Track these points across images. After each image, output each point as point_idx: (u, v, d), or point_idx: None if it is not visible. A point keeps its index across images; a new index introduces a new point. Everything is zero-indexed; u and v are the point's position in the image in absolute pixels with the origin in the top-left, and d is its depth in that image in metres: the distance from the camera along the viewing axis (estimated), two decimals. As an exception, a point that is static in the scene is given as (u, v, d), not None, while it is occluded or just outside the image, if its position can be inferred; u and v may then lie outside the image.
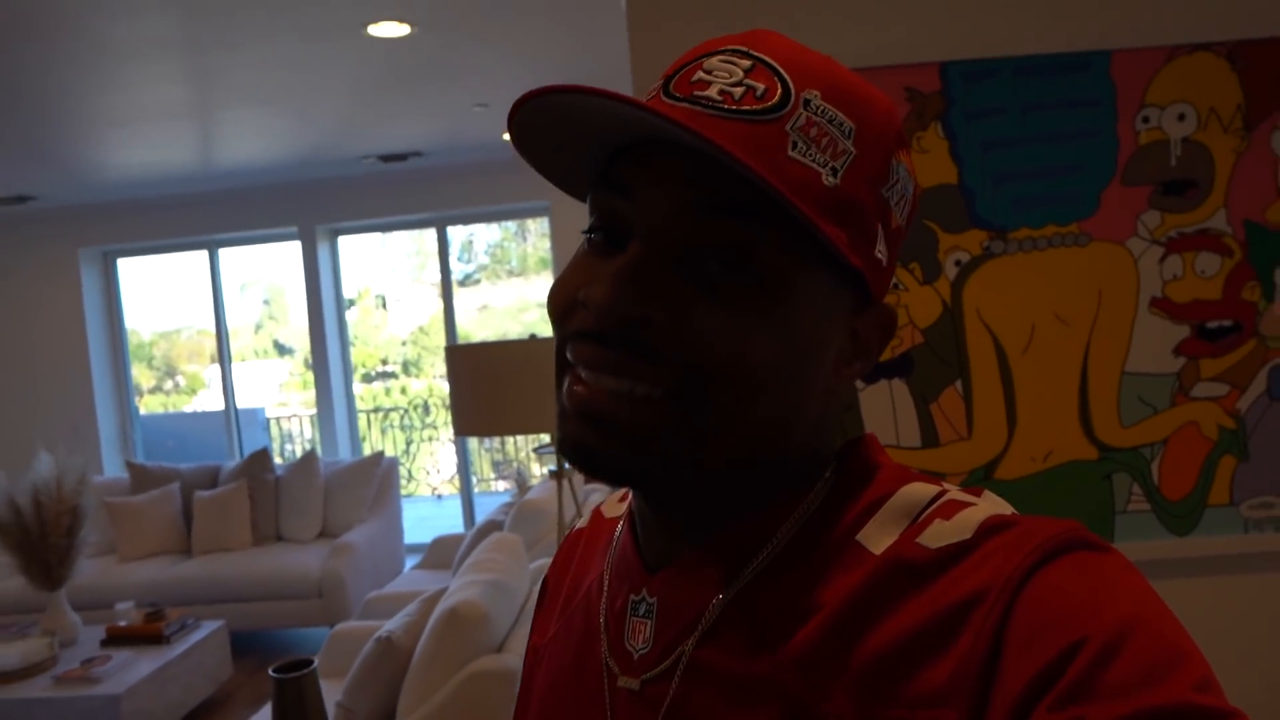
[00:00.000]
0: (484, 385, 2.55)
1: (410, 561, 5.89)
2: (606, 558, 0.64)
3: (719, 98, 0.49)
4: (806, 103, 0.50)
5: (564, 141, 0.52)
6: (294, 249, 6.63)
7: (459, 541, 4.79)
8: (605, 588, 0.61)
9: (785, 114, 0.49)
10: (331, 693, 3.09)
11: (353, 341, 10.14)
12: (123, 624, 4.25)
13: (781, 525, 0.54)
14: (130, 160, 5.24)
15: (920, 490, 0.52)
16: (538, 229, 8.10)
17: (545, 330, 6.58)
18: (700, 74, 0.51)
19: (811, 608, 0.50)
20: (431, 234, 6.81)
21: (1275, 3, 1.67)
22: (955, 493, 0.52)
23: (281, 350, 10.02)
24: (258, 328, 10.12)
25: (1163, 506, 1.74)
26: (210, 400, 7.24)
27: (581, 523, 0.74)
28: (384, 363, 10.36)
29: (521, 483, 4.73)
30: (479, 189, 6.19)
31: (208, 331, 7.01)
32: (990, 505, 0.50)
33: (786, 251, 0.49)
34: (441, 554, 4.88)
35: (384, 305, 9.99)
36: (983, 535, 0.47)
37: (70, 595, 4.72)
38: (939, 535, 0.49)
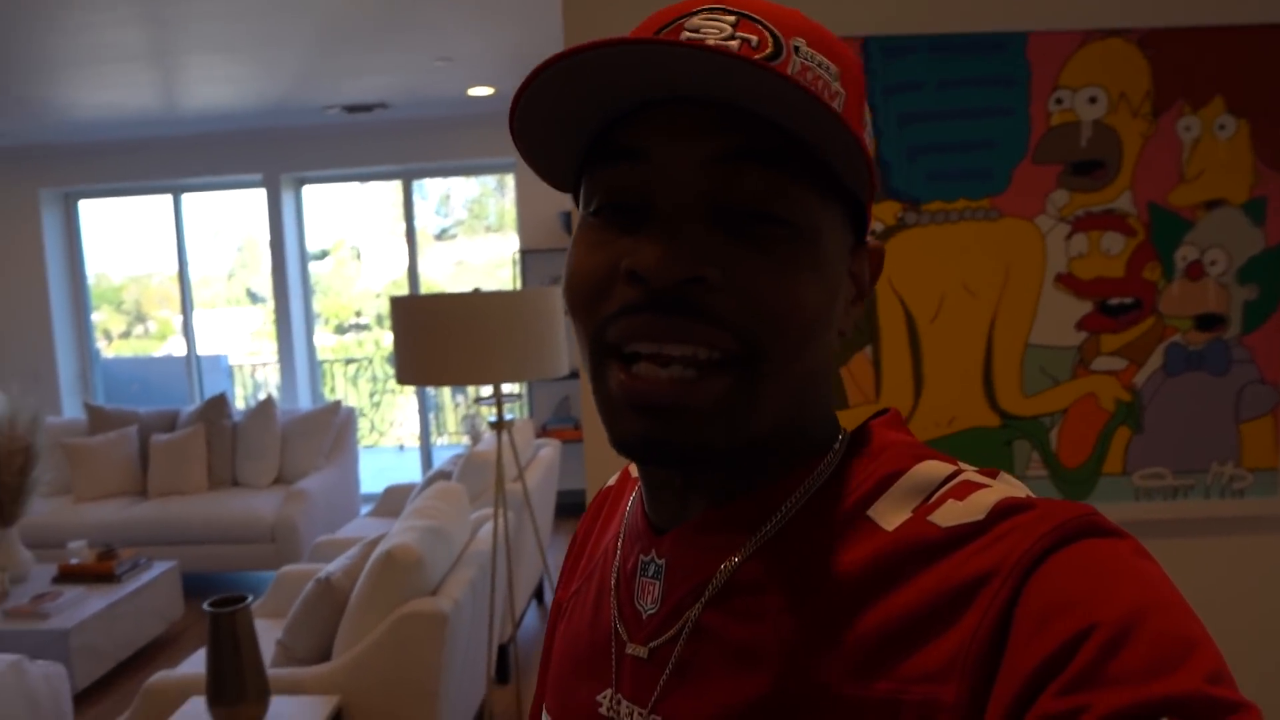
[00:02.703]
0: (427, 336, 2.60)
1: (366, 510, 5.95)
2: (623, 518, 0.65)
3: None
4: (796, 49, 0.49)
5: (561, 118, 0.51)
6: (264, 197, 6.60)
7: (410, 491, 4.86)
8: (619, 547, 0.62)
9: (783, 60, 0.49)
10: (276, 631, 3.17)
11: (325, 292, 10.15)
12: (74, 562, 4.29)
13: (791, 494, 0.54)
14: (92, 101, 5.18)
15: (935, 469, 0.52)
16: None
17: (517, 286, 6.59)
18: (687, 32, 0.49)
19: (818, 579, 0.50)
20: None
21: (1186, -8, 1.73)
22: (970, 473, 0.51)
23: (254, 299, 9.98)
24: (230, 275, 10.06)
25: (1059, 474, 1.83)
26: (179, 346, 7.22)
27: (611, 481, 0.73)
28: (357, 314, 10.32)
29: (475, 435, 4.79)
30: (445, 143, 6.19)
31: (177, 278, 6.98)
32: (1005, 487, 0.50)
33: (814, 196, 0.50)
34: (393, 502, 4.95)
35: (358, 257, 9.89)
36: (996, 517, 0.47)
37: (24, 534, 4.76)
38: (952, 515, 0.48)
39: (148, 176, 6.62)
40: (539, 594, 4.68)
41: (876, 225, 1.77)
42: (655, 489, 0.58)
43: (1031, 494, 0.49)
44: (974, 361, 1.81)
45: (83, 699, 3.83)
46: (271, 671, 2.57)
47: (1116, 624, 0.40)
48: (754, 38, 0.49)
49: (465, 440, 7.26)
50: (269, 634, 3.16)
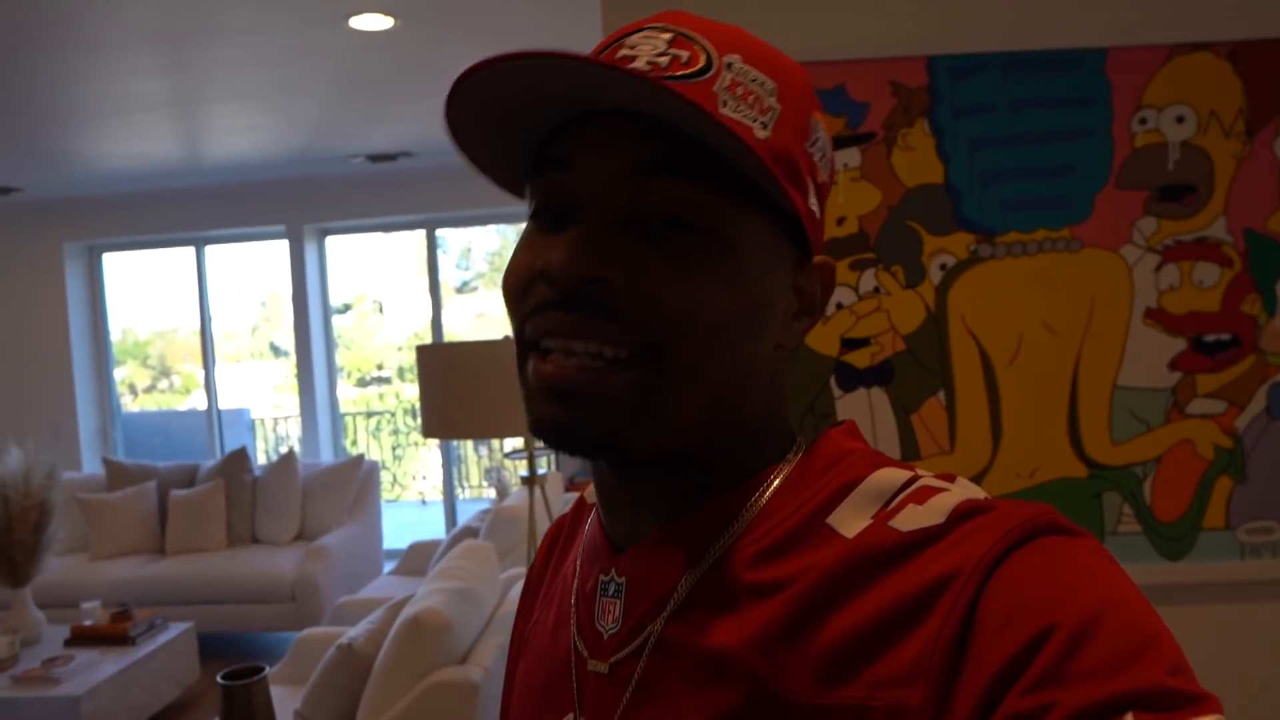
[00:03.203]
0: (454, 387, 2.46)
1: (389, 567, 5.79)
2: (580, 542, 0.65)
3: (647, 67, 0.50)
4: (729, 65, 0.51)
5: (500, 127, 0.53)
6: (287, 250, 6.54)
7: (435, 548, 4.70)
8: (577, 570, 0.62)
9: (711, 76, 0.50)
10: (294, 699, 3.00)
11: (348, 346, 10.18)
12: (88, 623, 4.15)
13: (745, 504, 0.54)
14: (115, 152, 5.15)
15: (893, 475, 0.52)
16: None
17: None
18: (624, 50, 0.52)
19: (779, 588, 0.50)
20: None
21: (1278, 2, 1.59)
22: (928, 478, 0.52)
23: (277, 352, 10.01)
24: (254, 330, 10.15)
25: (1154, 529, 1.65)
26: (203, 400, 7.14)
27: (567, 510, 0.74)
28: (379, 368, 10.35)
29: (501, 489, 4.64)
30: (470, 192, 6.11)
31: (200, 332, 6.93)
32: (963, 490, 0.50)
33: (730, 205, 0.51)
34: (417, 560, 4.78)
35: (380, 310, 10.04)
36: (956, 520, 0.47)
37: (38, 593, 4.62)
38: (912, 519, 0.48)
39: (171, 229, 6.59)
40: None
41: (948, 259, 1.62)
42: (609, 505, 0.59)
43: (990, 497, 0.50)
44: (1057, 406, 1.64)
45: (93, 770, 3.65)
46: (289, 747, 2.40)
47: (1078, 622, 0.41)
48: (685, 53, 0.51)
49: (490, 493, 7.10)
50: (287, 703, 2.98)
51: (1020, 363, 1.64)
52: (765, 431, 0.57)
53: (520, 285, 0.53)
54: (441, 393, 2.48)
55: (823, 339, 1.65)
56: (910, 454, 1.65)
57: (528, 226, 0.55)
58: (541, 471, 2.67)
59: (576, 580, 0.62)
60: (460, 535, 4.05)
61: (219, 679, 2.20)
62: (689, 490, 0.55)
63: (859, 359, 1.65)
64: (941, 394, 1.65)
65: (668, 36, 0.52)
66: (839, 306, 1.64)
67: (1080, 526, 0.47)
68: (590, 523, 0.64)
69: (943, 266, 1.63)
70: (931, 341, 1.64)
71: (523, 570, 3.27)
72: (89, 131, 4.66)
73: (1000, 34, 1.60)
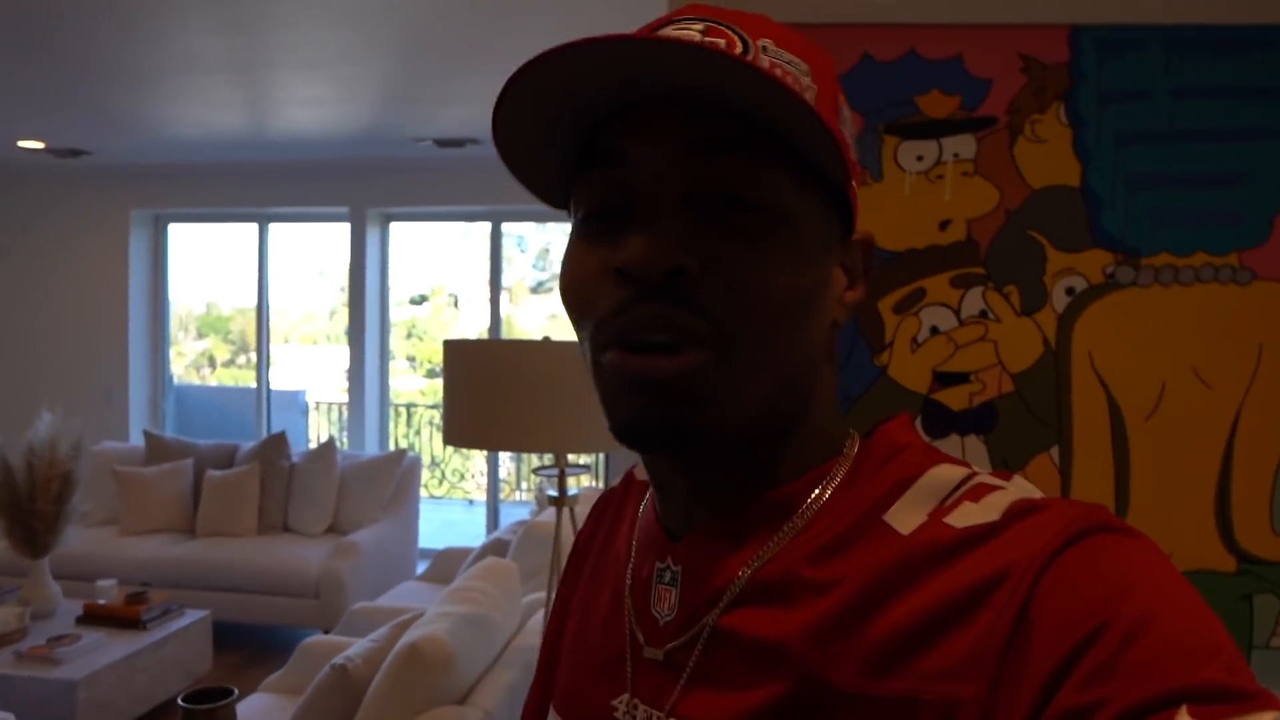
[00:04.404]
0: (483, 390, 2.18)
1: (423, 567, 5.56)
2: (635, 523, 0.66)
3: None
4: (764, 49, 0.51)
5: (542, 130, 0.53)
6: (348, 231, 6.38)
7: (466, 555, 4.44)
8: (632, 554, 0.63)
9: (752, 58, 0.50)
10: (288, 711, 2.75)
11: (421, 337, 10.16)
12: (102, 602, 3.98)
13: (805, 499, 0.55)
14: (179, 118, 5.04)
15: (949, 472, 0.53)
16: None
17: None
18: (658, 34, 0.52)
19: (835, 583, 0.50)
20: (506, 233, 6.51)
21: None
22: (984, 476, 0.52)
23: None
24: (332, 314, 10.33)
25: (1317, 644, 1.29)
26: (275, 378, 7.04)
27: (615, 483, 0.74)
28: None
29: (540, 500, 4.36)
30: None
31: (282, 312, 6.84)
32: (1019, 489, 0.51)
33: (788, 182, 0.51)
34: (447, 567, 4.53)
35: (455, 304, 10.09)
36: (1011, 518, 0.48)
37: (60, 564, 4.49)
38: (967, 516, 0.49)
39: (235, 203, 6.49)
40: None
41: (1077, 282, 1.29)
42: (664, 493, 0.59)
43: (1046, 496, 0.50)
44: (1204, 478, 1.29)
45: (84, 761, 3.46)
46: (263, 776, 2.14)
47: (1133, 618, 0.41)
48: (721, 40, 0.50)
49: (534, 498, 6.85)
50: (279, 714, 2.74)
51: (1160, 419, 1.29)
52: (820, 421, 0.57)
53: (588, 291, 0.53)
54: (468, 396, 2.21)
55: (911, 370, 1.32)
56: (1009, 522, 1.32)
57: (576, 230, 0.56)
58: (573, 492, 2.37)
59: (632, 564, 0.62)
60: (490, 547, 3.79)
61: (180, 700, 1.96)
62: (747, 482, 0.56)
63: (954, 399, 1.32)
64: (1055, 450, 1.31)
65: (700, 26, 0.52)
66: (934, 331, 1.32)
67: (1134, 527, 0.47)
68: (645, 508, 0.64)
69: (1070, 291, 1.29)
70: (1048, 384, 1.30)
71: (543, 596, 2.98)
72: (155, 93, 4.54)
73: (1166, 2, 1.27)
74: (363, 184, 6.21)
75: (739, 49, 0.50)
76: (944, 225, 1.31)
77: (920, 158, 1.32)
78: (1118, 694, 0.39)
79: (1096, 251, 1.28)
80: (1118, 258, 1.28)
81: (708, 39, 0.50)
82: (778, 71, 0.50)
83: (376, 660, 2.40)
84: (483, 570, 2.73)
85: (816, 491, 0.55)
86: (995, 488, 0.51)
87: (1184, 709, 0.38)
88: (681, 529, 0.58)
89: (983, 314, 1.31)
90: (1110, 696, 0.39)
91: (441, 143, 5.45)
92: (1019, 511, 0.48)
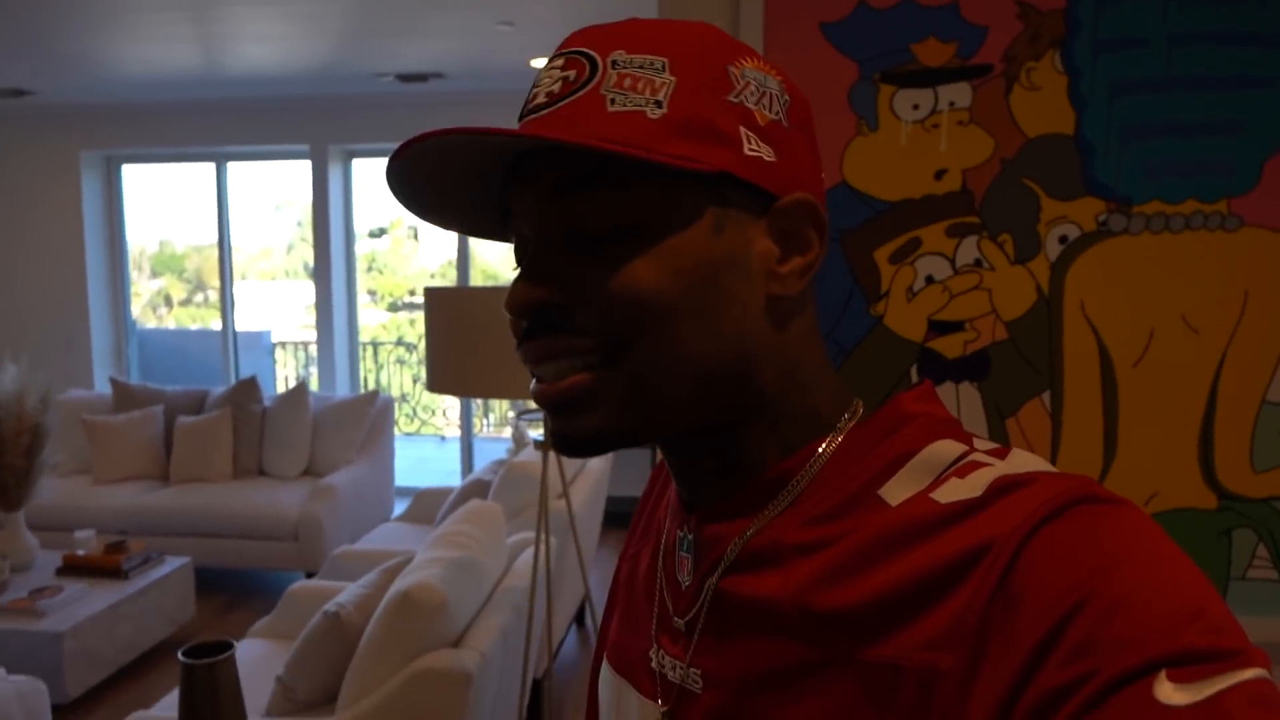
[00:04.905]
0: (465, 336, 2.17)
1: (400, 508, 5.58)
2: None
3: (545, 100, 0.55)
4: (614, 63, 0.54)
5: (454, 186, 0.59)
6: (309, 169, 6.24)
7: (444, 495, 4.46)
8: (667, 521, 0.66)
9: (596, 82, 0.53)
10: (279, 656, 2.78)
11: (381, 270, 10.02)
12: (81, 553, 3.97)
13: (797, 474, 0.57)
14: (130, 57, 4.85)
15: (947, 448, 0.53)
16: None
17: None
18: (532, 90, 0.57)
19: (822, 544, 0.53)
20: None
21: None
22: (979, 453, 0.53)
23: (311, 273, 9.95)
24: (289, 248, 10.17)
25: (1292, 575, 1.35)
26: (239, 319, 6.93)
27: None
28: (411, 293, 10.33)
29: (519, 439, 4.38)
30: (503, 118, 5.77)
31: (238, 248, 6.70)
32: (1008, 465, 0.51)
33: (645, 191, 0.53)
34: (425, 509, 4.55)
35: (415, 236, 10.10)
36: (993, 494, 0.48)
37: (34, 516, 4.46)
38: (952, 492, 0.50)
39: (191, 142, 6.30)
40: (579, 618, 4.25)
41: (1070, 230, 1.30)
42: (675, 470, 0.62)
43: (1042, 470, 0.50)
44: (1189, 420, 1.33)
45: (73, 710, 3.48)
46: (263, 723, 2.17)
47: (1115, 590, 0.41)
48: (572, 73, 0.54)
49: (510, 435, 6.87)
50: (270, 661, 2.77)
51: (1148, 364, 1.32)
52: (796, 392, 0.58)
53: (511, 324, 0.57)
54: (450, 343, 2.20)
55: (906, 320, 1.34)
56: (1001, 466, 1.35)
57: None
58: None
59: (666, 531, 0.66)
60: (471, 489, 3.80)
61: (180, 655, 1.97)
62: (736, 466, 0.58)
63: (949, 346, 1.34)
64: (1046, 395, 1.34)
65: (560, 63, 0.55)
66: (929, 281, 1.33)
67: (1120, 496, 0.47)
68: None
69: (1063, 239, 1.31)
70: (1040, 331, 1.33)
71: (528, 536, 3.01)
72: (101, 31, 4.36)
73: (1163, -53, 1.26)
74: (324, 121, 6.06)
75: (585, 74, 0.53)
76: (939, 175, 1.32)
77: (916, 106, 1.31)
78: (1099, 668, 0.40)
79: (1089, 200, 1.30)
80: (1110, 206, 1.30)
81: (563, 72, 0.54)
82: (625, 84, 0.53)
83: (368, 607, 2.43)
84: (468, 514, 2.75)
85: (808, 466, 0.56)
86: (984, 464, 0.51)
87: (1163, 674, 0.39)
88: (693, 502, 0.62)
89: (977, 263, 1.32)
90: (1092, 671, 0.40)
91: (404, 77, 5.31)
92: (1001, 488, 0.48)
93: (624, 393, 0.53)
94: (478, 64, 5.03)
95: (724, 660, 0.56)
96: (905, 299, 1.35)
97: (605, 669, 0.71)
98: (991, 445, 0.54)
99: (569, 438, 0.55)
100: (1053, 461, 1.34)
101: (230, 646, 2.09)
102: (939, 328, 1.34)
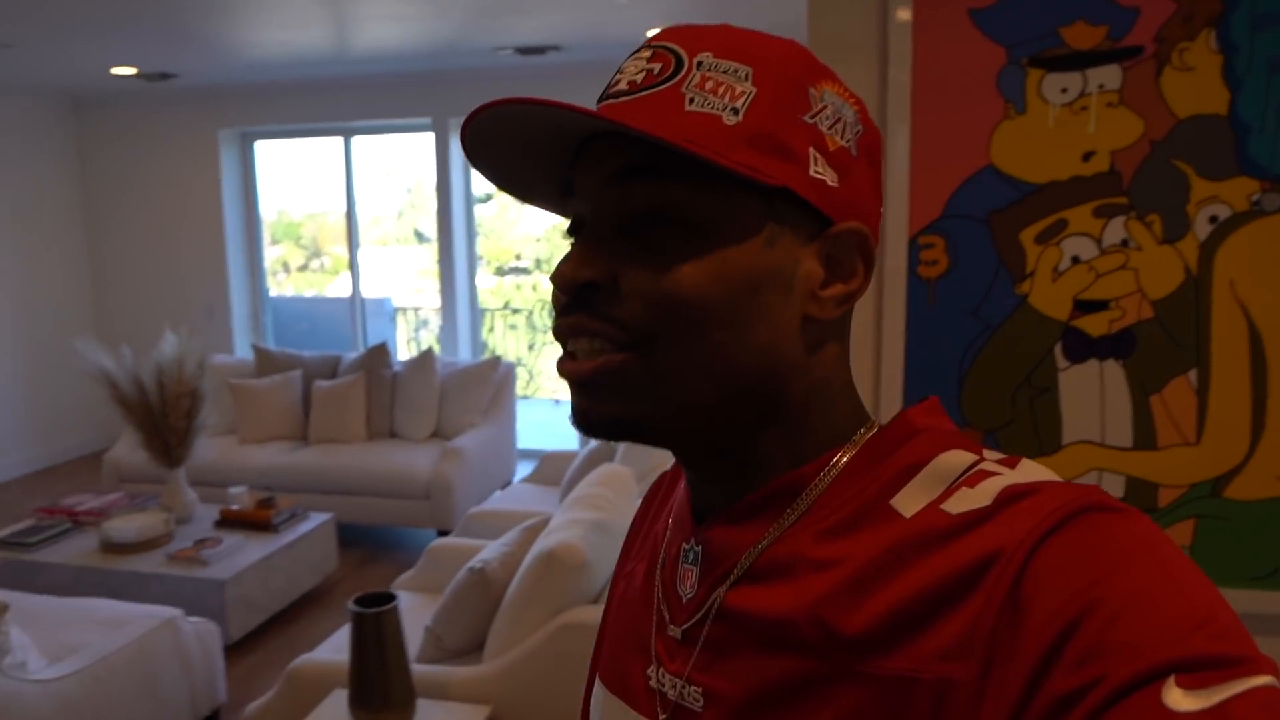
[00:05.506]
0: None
1: (522, 468, 5.80)
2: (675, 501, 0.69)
3: (626, 88, 0.56)
4: (699, 64, 0.55)
5: (518, 154, 0.60)
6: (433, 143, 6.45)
7: (569, 459, 4.63)
8: (668, 532, 0.66)
9: (679, 79, 0.54)
10: (425, 608, 2.98)
11: (487, 235, 10.30)
12: (235, 507, 4.28)
13: (809, 484, 0.57)
14: (265, 40, 5.10)
15: (956, 459, 0.54)
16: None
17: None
18: (616, 76, 0.58)
19: (837, 561, 0.52)
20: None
21: None
22: (988, 463, 0.53)
23: (420, 238, 10.27)
24: (400, 215, 10.46)
25: None
26: (346, 285, 7.27)
27: (669, 466, 0.77)
28: (517, 257, 10.52)
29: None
30: (618, 88, 5.85)
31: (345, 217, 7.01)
32: (1017, 475, 0.51)
33: (705, 192, 0.53)
34: (551, 471, 4.73)
35: (520, 202, 10.11)
36: (1002, 503, 0.49)
37: (191, 473, 4.81)
38: (962, 502, 0.50)
39: (320, 118, 6.58)
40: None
41: (1221, 210, 1.31)
42: (688, 479, 0.63)
43: (1052, 480, 0.51)
44: (1342, 398, 1.33)
45: (235, 650, 3.79)
46: (417, 668, 2.35)
47: (1121, 596, 0.42)
48: (657, 65, 0.55)
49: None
50: (418, 612, 2.97)
51: (1301, 343, 1.33)
52: (819, 409, 0.58)
53: (553, 295, 0.58)
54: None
55: (1051, 299, 1.37)
56: (1145, 442, 1.38)
57: None
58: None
59: (666, 542, 0.66)
60: (596, 455, 3.95)
61: (350, 605, 2.16)
62: (748, 470, 0.58)
63: (1094, 325, 1.37)
64: (1193, 374, 1.36)
65: (648, 54, 0.57)
66: (1075, 261, 1.36)
67: (1127, 505, 0.48)
68: (681, 488, 0.66)
69: (1213, 219, 1.32)
70: (1188, 310, 1.34)
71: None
72: (240, 18, 4.60)
73: (1326, -79, 1.25)
74: (446, 94, 6.25)
75: (670, 69, 0.54)
76: (1087, 156, 1.34)
77: (1064, 90, 1.34)
78: (1107, 673, 0.40)
79: (1242, 179, 1.30)
80: (1264, 185, 1.30)
81: (649, 64, 0.56)
82: (707, 87, 0.54)
83: (511, 564, 2.59)
84: (602, 477, 2.88)
85: (819, 478, 0.57)
86: (993, 474, 0.52)
87: (1171, 680, 0.39)
88: (705, 512, 0.62)
89: (1124, 243, 1.35)
90: (1100, 676, 0.40)
91: (523, 50, 5.43)
92: (1010, 496, 0.49)
93: (649, 384, 0.54)
94: (595, 36, 5.11)
95: (726, 677, 0.55)
96: (1050, 278, 1.38)
97: (598, 688, 0.69)
98: (1000, 455, 0.54)
99: (588, 417, 0.56)
100: (1197, 440, 1.37)
101: (393, 598, 2.27)
102: (1084, 306, 1.37)
